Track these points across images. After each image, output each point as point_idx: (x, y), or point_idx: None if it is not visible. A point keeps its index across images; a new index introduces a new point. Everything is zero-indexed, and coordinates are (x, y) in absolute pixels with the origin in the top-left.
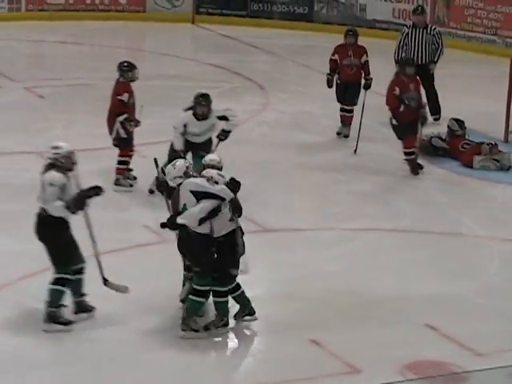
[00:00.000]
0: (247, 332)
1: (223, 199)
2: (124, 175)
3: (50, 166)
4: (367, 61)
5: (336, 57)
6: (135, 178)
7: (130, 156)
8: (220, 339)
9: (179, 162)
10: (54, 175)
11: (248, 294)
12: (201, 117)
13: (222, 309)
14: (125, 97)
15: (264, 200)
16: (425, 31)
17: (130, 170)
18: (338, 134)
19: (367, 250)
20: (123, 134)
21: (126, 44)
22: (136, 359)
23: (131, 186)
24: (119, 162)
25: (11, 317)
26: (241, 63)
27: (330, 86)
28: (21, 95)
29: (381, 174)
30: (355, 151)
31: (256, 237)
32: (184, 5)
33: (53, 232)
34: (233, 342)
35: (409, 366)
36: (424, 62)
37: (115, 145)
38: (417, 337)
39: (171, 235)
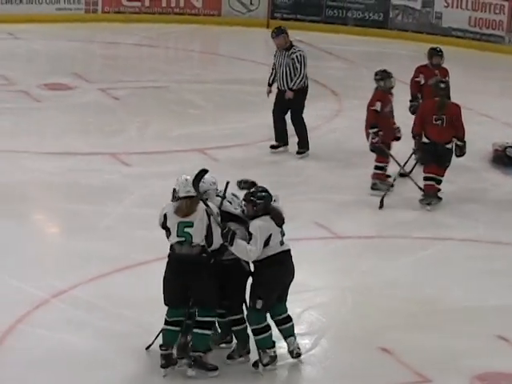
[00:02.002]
0: (316, 339)
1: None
2: (381, 180)
3: None
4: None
5: (421, 78)
6: (392, 186)
7: (387, 163)
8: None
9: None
10: None
11: (317, 301)
12: None
13: (242, 336)
14: (377, 106)
15: (336, 206)
16: (286, 53)
17: (388, 176)
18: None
19: (438, 258)
20: (375, 144)
21: (200, 47)
22: None
23: (390, 187)
24: (376, 167)
25: (83, 317)
26: (314, 69)
27: (413, 113)
28: (96, 96)
29: (454, 184)
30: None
31: (327, 243)
32: (259, 9)
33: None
34: (301, 348)
35: (479, 377)
36: (283, 87)
37: (371, 150)
38: (488, 347)
39: None
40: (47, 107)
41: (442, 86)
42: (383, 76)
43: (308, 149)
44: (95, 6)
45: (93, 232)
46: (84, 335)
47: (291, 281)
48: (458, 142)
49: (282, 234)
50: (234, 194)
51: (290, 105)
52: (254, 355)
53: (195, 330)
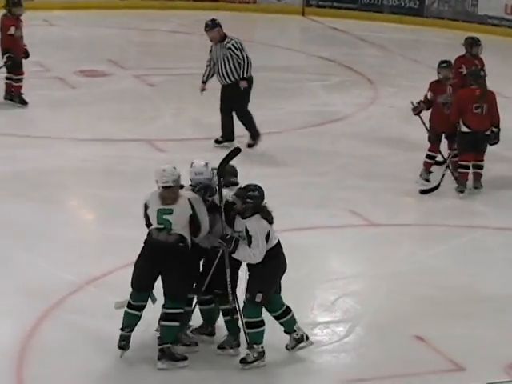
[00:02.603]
0: (350, 326)
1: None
2: (426, 168)
3: None
4: None
5: (463, 68)
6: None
7: (437, 153)
8: (325, 335)
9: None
10: None
11: (352, 289)
12: None
13: (232, 328)
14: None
15: (371, 194)
16: (221, 45)
17: (439, 163)
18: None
19: (473, 247)
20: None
21: (235, 35)
22: None
23: (427, 180)
24: (427, 156)
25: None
26: (350, 56)
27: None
28: (131, 83)
29: (489, 172)
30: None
31: (362, 231)
32: None
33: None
34: (335, 335)
35: None
36: (225, 81)
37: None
38: None
39: (277, 226)
40: (83, 94)
41: (482, 74)
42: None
43: (259, 139)
44: None
45: (127, 219)
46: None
47: (284, 272)
48: (494, 129)
49: None
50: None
51: (236, 98)
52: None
53: (163, 323)
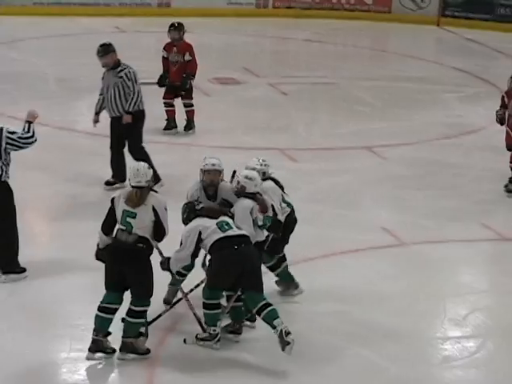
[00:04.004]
0: (481, 342)
1: None
2: None
3: None
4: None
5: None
6: None
7: None
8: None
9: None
10: None
11: (483, 304)
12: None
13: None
14: None
15: (504, 208)
16: (113, 73)
17: None
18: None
19: None
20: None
21: (369, 44)
22: None
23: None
24: None
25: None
26: (485, 68)
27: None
28: (265, 91)
29: None
30: None
31: (494, 245)
32: (429, 7)
33: None
34: (466, 351)
35: None
36: (114, 113)
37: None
38: None
39: (410, 238)
40: (217, 101)
41: None
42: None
43: (159, 180)
44: (266, 1)
45: None
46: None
47: (238, 269)
48: None
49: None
50: (247, 177)
51: (126, 133)
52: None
53: (128, 319)
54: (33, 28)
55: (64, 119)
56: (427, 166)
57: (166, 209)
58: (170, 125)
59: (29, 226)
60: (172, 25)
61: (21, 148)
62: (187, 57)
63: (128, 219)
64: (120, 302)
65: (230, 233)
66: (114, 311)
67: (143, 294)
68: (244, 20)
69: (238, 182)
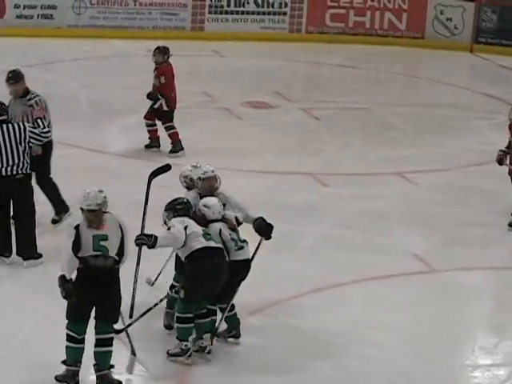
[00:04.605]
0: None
1: None
2: None
3: None
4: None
5: None
6: None
7: None
8: None
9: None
10: None
11: None
12: None
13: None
14: None
15: None
16: (21, 101)
17: None
18: None
19: None
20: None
21: (402, 70)
22: None
23: None
24: None
25: (279, 336)
26: None
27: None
28: (297, 116)
29: None
30: None
31: None
32: (463, 33)
33: None
34: (496, 379)
35: None
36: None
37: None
38: None
39: (440, 265)
40: (248, 125)
41: None
42: None
43: (67, 213)
44: (299, 26)
45: (290, 251)
46: (279, 353)
47: (212, 281)
48: None
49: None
50: (205, 206)
51: (36, 165)
52: None
53: (101, 349)
54: (66, 50)
55: (95, 141)
56: (458, 193)
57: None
58: (151, 144)
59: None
60: (157, 48)
61: (41, 142)
62: (162, 80)
63: (102, 243)
64: (85, 330)
65: (211, 244)
66: (83, 340)
67: (114, 318)
68: (277, 44)
69: (200, 210)
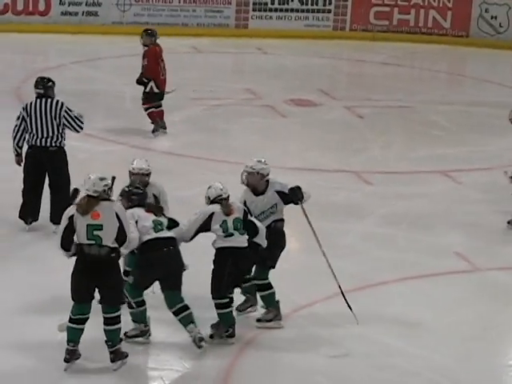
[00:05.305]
0: None
1: None
2: None
3: None
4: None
5: None
6: None
7: None
8: None
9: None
10: None
11: None
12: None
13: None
14: None
15: None
16: None
17: None
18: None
19: None
20: None
21: (446, 68)
22: None
23: None
24: None
25: (320, 334)
26: None
27: None
28: (340, 114)
29: None
30: None
31: None
32: (508, 32)
33: None
34: None
35: None
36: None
37: None
38: None
39: (484, 264)
40: (292, 122)
41: None
42: None
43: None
44: (343, 24)
45: (332, 249)
46: (321, 350)
47: (161, 271)
48: None
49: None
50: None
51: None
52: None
53: (108, 327)
54: (111, 47)
55: (139, 138)
56: (502, 192)
57: (127, 216)
58: (156, 128)
59: None
60: (144, 30)
61: (72, 127)
62: (145, 62)
63: (95, 232)
64: (90, 311)
65: (161, 234)
66: (85, 321)
67: (117, 301)
68: (321, 42)
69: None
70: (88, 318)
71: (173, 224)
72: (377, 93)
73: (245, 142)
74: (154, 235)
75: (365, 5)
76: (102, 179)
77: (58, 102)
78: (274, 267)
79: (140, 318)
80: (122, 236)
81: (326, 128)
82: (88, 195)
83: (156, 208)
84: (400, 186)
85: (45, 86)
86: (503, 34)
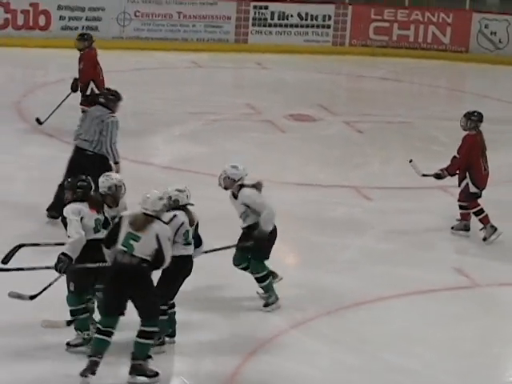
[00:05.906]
0: None
1: None
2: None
3: None
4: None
5: None
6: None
7: None
8: None
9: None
10: None
11: None
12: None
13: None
14: None
15: None
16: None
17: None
18: None
19: None
20: None
21: (445, 84)
22: None
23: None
24: None
25: (320, 349)
26: None
27: None
28: (340, 129)
29: None
30: None
31: None
32: (507, 47)
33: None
34: None
35: None
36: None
37: None
38: None
39: (483, 280)
40: (291, 138)
41: None
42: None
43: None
44: (343, 39)
45: (332, 265)
46: (322, 366)
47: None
48: None
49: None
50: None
51: None
52: None
53: (138, 340)
54: (110, 62)
55: (140, 153)
56: (502, 207)
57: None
58: None
59: None
60: (79, 35)
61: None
62: (81, 66)
63: (131, 241)
64: (116, 325)
65: (98, 235)
66: (111, 334)
67: (152, 314)
68: (320, 57)
69: (170, 198)
70: (114, 332)
71: (107, 223)
72: (376, 108)
73: (244, 156)
74: (92, 236)
75: (364, 20)
76: (160, 198)
77: (105, 114)
78: (267, 258)
79: (84, 326)
80: (159, 258)
81: (325, 143)
82: (145, 213)
83: (98, 203)
84: (399, 201)
85: (106, 97)
86: (503, 50)
